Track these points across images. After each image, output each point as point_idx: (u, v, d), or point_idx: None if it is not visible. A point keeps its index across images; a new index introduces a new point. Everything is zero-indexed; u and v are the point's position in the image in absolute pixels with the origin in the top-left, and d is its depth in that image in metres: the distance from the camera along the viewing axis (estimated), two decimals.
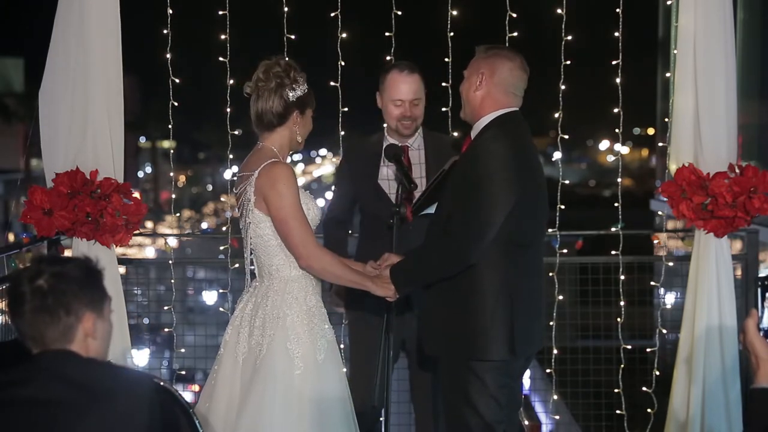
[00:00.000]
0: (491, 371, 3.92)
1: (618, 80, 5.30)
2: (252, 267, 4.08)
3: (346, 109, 5.36)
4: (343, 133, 5.37)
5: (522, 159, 3.93)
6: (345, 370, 4.16)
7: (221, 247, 5.46)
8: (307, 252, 3.89)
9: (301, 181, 4.55)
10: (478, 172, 3.87)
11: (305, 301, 3.96)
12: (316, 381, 3.88)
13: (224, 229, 5.52)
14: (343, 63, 5.33)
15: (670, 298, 5.77)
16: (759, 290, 5.14)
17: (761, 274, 5.20)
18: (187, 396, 5.30)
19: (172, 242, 6.39)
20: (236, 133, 5.34)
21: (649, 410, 5.29)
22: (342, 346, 5.02)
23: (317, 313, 3.98)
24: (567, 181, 5.73)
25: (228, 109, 5.37)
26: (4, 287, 4.64)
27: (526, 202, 3.89)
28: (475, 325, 3.92)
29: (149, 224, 37.77)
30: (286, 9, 5.32)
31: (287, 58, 4.08)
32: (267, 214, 3.90)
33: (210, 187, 59.24)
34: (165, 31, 5.28)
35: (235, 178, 4.11)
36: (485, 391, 3.92)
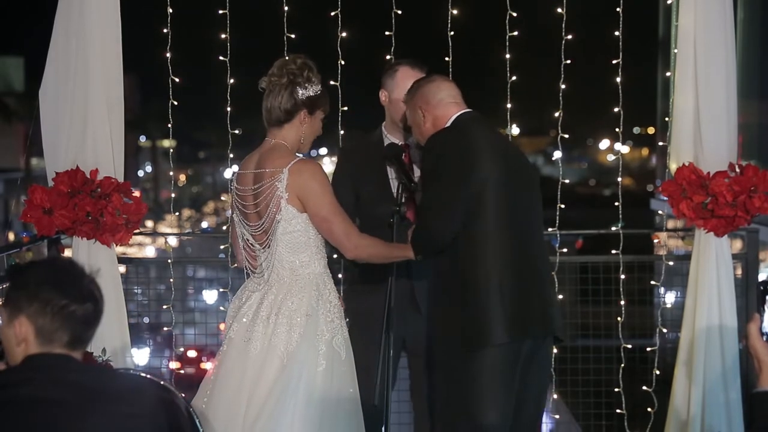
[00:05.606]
0: (478, 362, 3.89)
1: (618, 79, 5.30)
2: (254, 263, 4.05)
3: (346, 108, 5.35)
4: (342, 132, 5.36)
5: (472, 150, 3.97)
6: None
7: (221, 246, 5.45)
8: (353, 244, 3.94)
9: None
10: (426, 168, 4.10)
11: (329, 299, 3.97)
12: (336, 379, 3.90)
13: (224, 228, 5.52)
14: (343, 62, 5.33)
15: (670, 298, 5.76)
16: (759, 294, 5.12)
17: (762, 278, 5.19)
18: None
19: (172, 241, 6.40)
20: (236, 132, 5.33)
21: (649, 409, 5.29)
22: None
23: (338, 309, 4.00)
24: (567, 181, 5.72)
25: (228, 109, 5.37)
26: (3, 287, 4.64)
27: (481, 191, 3.93)
28: (466, 315, 3.93)
29: (149, 223, 37.76)
30: (286, 8, 5.32)
31: (305, 58, 4.07)
32: (301, 210, 3.89)
33: (211, 179, 59.14)
34: (165, 31, 5.28)
35: (237, 175, 4.07)
36: (479, 384, 3.88)
